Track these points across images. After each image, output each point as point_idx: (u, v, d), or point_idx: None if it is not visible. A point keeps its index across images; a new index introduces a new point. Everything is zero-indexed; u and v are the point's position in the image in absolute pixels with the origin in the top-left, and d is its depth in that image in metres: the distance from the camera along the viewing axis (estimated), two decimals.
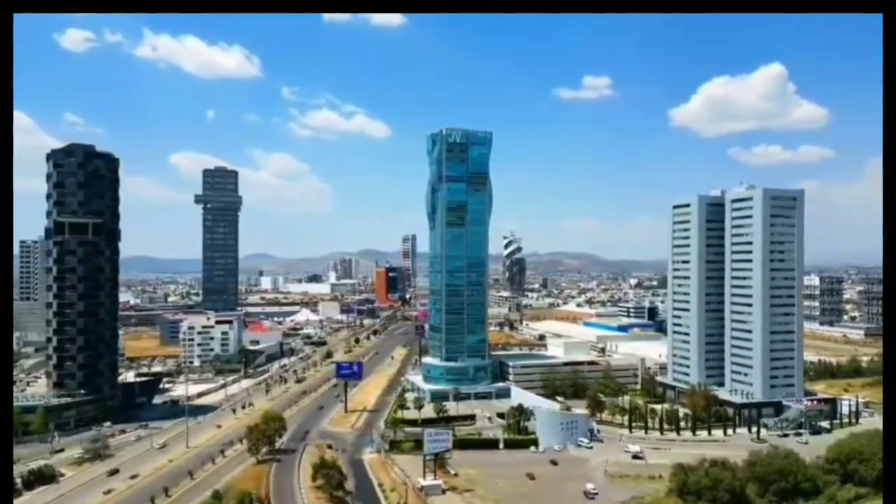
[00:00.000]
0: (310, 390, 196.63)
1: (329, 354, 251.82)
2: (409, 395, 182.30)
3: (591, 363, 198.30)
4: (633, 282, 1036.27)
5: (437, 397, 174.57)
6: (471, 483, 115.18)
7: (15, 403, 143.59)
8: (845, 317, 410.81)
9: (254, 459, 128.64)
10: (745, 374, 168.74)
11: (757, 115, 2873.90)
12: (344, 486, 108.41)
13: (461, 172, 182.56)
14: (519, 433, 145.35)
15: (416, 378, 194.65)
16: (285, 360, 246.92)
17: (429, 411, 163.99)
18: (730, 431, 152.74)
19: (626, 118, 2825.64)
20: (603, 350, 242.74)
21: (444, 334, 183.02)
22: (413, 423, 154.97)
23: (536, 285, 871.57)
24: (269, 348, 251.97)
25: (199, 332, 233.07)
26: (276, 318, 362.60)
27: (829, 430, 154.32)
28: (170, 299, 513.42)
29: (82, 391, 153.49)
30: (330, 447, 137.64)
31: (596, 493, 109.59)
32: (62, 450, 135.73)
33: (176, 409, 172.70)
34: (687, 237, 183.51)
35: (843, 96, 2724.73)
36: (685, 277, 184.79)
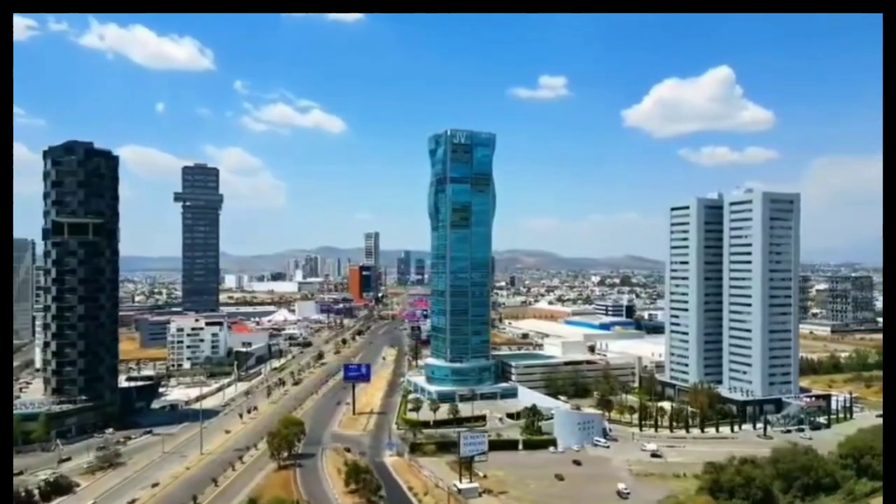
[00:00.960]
0: (310, 392, 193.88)
1: (321, 356, 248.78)
2: (412, 396, 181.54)
3: (589, 362, 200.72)
4: (595, 279, 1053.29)
5: (444, 398, 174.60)
6: (502, 485, 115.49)
7: (15, 411, 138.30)
8: (809, 314, 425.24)
9: (273, 465, 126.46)
10: (744, 372, 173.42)
11: (706, 117, 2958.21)
12: (380, 491, 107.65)
13: (465, 173, 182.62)
14: (533, 433, 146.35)
15: (417, 379, 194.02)
16: (275, 362, 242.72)
17: (438, 412, 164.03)
18: (735, 428, 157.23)
19: (581, 118, 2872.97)
20: (592, 349, 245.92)
21: (448, 335, 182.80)
22: (425, 424, 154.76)
23: (502, 283, 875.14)
24: (259, 350, 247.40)
25: (189, 335, 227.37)
26: (254, 319, 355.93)
27: (827, 426, 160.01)
28: (136, 299, 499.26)
29: (83, 397, 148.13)
30: (348, 451, 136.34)
31: (629, 493, 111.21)
32: (69, 458, 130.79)
33: (176, 414, 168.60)
34: (685, 239, 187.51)
35: (788, 99, 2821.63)
36: (683, 278, 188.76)
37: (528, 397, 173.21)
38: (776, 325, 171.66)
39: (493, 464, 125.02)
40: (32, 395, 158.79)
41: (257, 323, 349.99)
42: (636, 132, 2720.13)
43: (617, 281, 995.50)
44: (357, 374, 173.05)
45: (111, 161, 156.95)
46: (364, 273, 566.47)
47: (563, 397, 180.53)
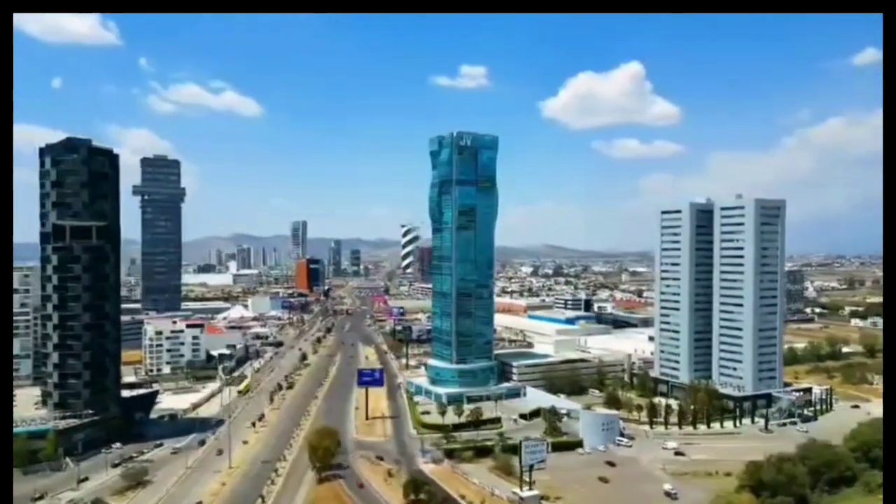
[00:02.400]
0: (309, 397, 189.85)
1: (304, 357, 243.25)
2: (419, 399, 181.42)
3: (583, 361, 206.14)
4: (526, 269, 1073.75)
5: (452, 400, 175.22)
6: (552, 490, 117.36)
7: (21, 428, 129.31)
8: None
9: (311, 477, 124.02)
10: (735, 369, 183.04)
11: (618, 111, 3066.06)
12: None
13: (471, 176, 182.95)
14: (554, 434, 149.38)
15: (418, 380, 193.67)
16: (255, 364, 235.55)
17: (447, 415, 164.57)
18: (736, 424, 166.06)
19: (501, 108, 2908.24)
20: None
21: (454, 337, 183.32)
22: (443, 428, 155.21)
23: None
24: (238, 352, 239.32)
25: (168, 338, 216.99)
26: (209, 316, 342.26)
27: (815, 418, 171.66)
28: None
29: (89, 411, 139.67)
30: (380, 459, 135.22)
31: (676, 494, 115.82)
32: (86, 478, 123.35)
33: (179, 425, 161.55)
34: (677, 241, 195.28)
35: (694, 96, 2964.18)
36: (674, 279, 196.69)
37: (535, 397, 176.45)
38: (765, 323, 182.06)
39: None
40: (22, 409, 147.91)
41: (212, 319, 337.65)
42: (553, 124, 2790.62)
43: (549, 272, 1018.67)
44: (371, 380, 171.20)
45: (113, 159, 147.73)
46: (312, 266, 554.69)
47: (562, 395, 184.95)
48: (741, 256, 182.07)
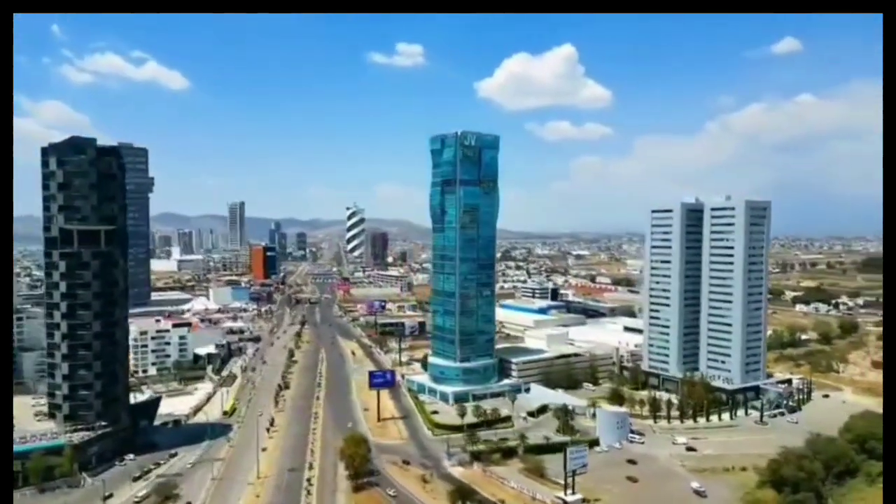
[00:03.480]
0: (309, 397, 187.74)
1: (292, 354, 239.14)
2: (424, 398, 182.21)
3: (576, 355, 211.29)
4: None
5: (459, 399, 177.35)
6: (586, 491, 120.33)
7: (35, 444, 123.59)
8: None
9: (346, 485, 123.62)
10: (723, 362, 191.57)
11: (551, 93, 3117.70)
12: None
13: (474, 176, 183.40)
14: (568, 433, 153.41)
15: (419, 378, 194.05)
16: (240, 362, 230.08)
17: (457, 414, 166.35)
18: (731, 416, 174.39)
19: (436, 87, 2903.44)
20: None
21: (458, 335, 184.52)
22: (458, 428, 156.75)
23: (390, 259, 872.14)
24: (222, 350, 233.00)
25: (154, 338, 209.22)
26: (176, 310, 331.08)
27: (798, 409, 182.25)
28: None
29: (102, 423, 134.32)
30: (407, 463, 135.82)
31: (705, 492, 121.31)
32: (111, 495, 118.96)
33: (186, 431, 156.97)
34: (667, 239, 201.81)
35: (624, 80, 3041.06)
36: (665, 276, 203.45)
37: (538, 394, 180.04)
38: (752, 318, 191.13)
39: (557, 469, 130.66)
40: (24, 423, 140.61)
41: (183, 313, 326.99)
42: (489, 104, 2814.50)
43: (498, 256, 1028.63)
44: (383, 381, 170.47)
45: (119, 159, 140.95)
46: (268, 253, 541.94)
47: (560, 390, 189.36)
48: (731, 255, 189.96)
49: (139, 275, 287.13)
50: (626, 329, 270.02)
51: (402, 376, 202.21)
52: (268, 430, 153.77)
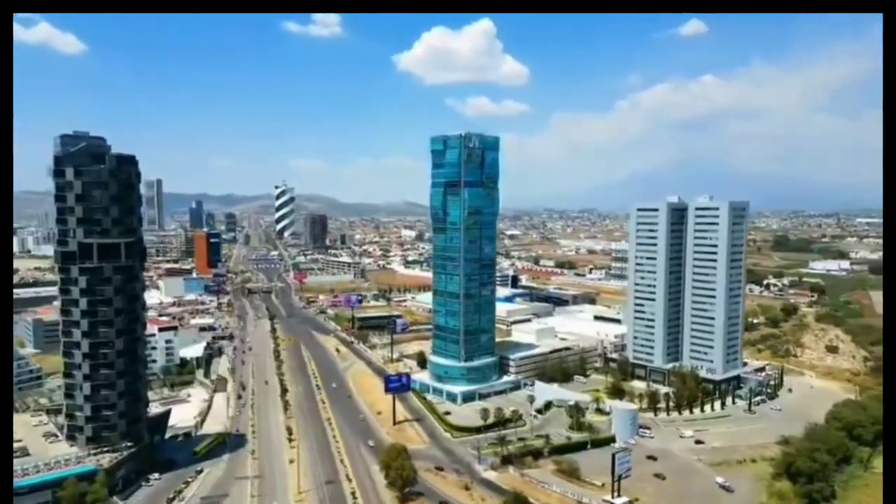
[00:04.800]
0: (312, 400, 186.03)
1: (276, 354, 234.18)
2: (430, 397, 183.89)
3: (567, 349, 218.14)
4: (410, 233, 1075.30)
5: (466, 398, 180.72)
6: (623, 492, 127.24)
7: (65, 471, 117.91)
8: None
9: (389, 496, 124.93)
10: (706, 353, 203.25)
11: (471, 68, 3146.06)
12: None
13: (478, 177, 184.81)
14: (583, 431, 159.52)
15: (421, 377, 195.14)
16: (223, 363, 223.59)
17: (469, 414, 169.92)
18: (723, 405, 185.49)
19: (354, 58, 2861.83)
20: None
21: (462, 336, 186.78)
22: (476, 430, 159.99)
23: (328, 241, 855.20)
24: (205, 351, 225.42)
25: None
26: None
27: (775, 395, 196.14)
28: None
29: (127, 444, 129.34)
30: (440, 469, 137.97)
31: (730, 486, 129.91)
32: None
33: (198, 444, 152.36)
34: (653, 237, 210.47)
35: (541, 58, 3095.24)
36: (650, 271, 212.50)
37: (540, 390, 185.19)
38: (732, 312, 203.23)
39: (585, 468, 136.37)
40: (35, 444, 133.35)
41: None
42: (408, 77, 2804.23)
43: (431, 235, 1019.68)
44: (399, 385, 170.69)
45: (136, 166, 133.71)
46: (212, 241, 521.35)
47: (555, 384, 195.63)
48: (715, 252, 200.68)
49: None
50: (597, 318, 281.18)
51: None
52: (290, 440, 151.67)
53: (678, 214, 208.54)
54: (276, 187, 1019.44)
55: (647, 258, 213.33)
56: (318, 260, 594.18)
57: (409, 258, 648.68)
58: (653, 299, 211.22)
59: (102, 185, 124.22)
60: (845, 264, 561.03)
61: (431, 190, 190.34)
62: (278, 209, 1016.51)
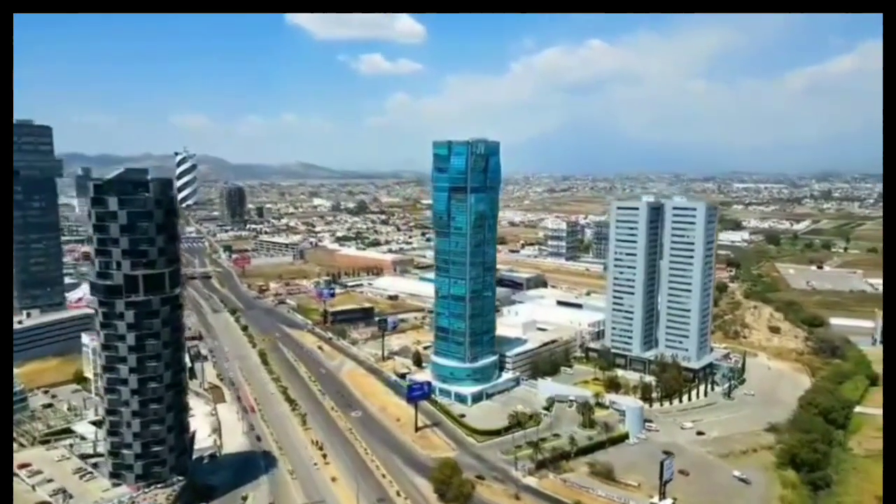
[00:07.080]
0: (319, 405, 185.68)
1: (262, 354, 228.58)
2: (442, 400, 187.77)
3: (554, 342, 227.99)
4: (326, 203, 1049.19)
5: (475, 399, 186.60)
6: (653, 489, 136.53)
7: None
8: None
9: None
10: (681, 342, 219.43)
11: (365, 25, 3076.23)
12: None
13: (482, 182, 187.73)
14: (591, 426, 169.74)
15: (424, 379, 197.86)
16: (207, 368, 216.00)
17: (483, 416, 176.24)
18: (706, 393, 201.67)
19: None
20: None
21: (468, 338, 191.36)
22: (496, 433, 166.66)
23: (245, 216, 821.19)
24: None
25: None
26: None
27: (743, 380, 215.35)
28: None
29: (178, 477, 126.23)
30: (481, 478, 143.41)
31: (748, 479, 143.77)
32: None
33: (226, 466, 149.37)
34: (633, 233, 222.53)
35: (439, 15, 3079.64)
36: (629, 266, 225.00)
37: (547, 388, 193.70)
38: (704, 304, 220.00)
39: (615, 468, 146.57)
40: (73, 485, 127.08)
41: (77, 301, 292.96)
42: (298, 31, 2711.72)
43: (351, 205, 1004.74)
44: (421, 394, 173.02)
45: (172, 189, 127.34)
46: None
47: (548, 378, 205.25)
48: (692, 249, 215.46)
49: (51, 271, 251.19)
50: (560, 304, 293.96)
51: (403, 376, 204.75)
52: (324, 458, 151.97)
53: (654, 212, 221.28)
54: (177, 154, 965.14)
55: (627, 254, 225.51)
56: (243, 237, 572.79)
57: (339, 234, 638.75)
58: (632, 292, 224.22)
59: (147, 215, 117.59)
60: (746, 235, 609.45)
61: (434, 194, 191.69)
62: (180, 177, 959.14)
